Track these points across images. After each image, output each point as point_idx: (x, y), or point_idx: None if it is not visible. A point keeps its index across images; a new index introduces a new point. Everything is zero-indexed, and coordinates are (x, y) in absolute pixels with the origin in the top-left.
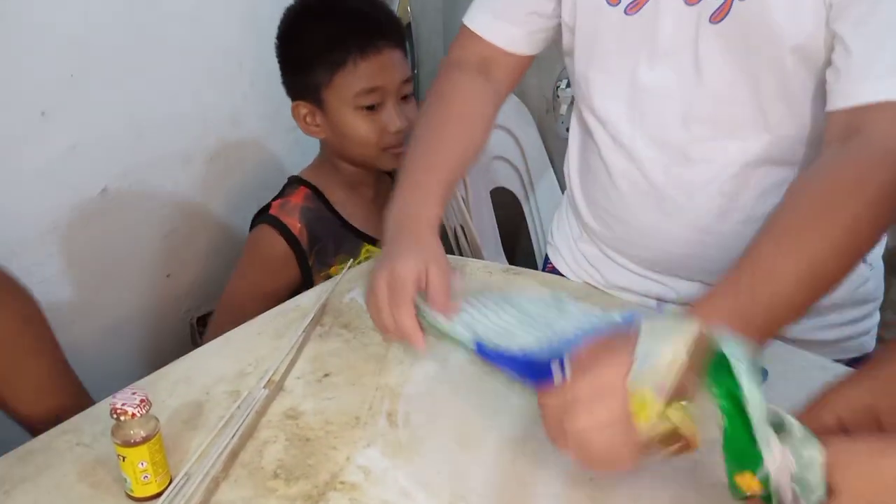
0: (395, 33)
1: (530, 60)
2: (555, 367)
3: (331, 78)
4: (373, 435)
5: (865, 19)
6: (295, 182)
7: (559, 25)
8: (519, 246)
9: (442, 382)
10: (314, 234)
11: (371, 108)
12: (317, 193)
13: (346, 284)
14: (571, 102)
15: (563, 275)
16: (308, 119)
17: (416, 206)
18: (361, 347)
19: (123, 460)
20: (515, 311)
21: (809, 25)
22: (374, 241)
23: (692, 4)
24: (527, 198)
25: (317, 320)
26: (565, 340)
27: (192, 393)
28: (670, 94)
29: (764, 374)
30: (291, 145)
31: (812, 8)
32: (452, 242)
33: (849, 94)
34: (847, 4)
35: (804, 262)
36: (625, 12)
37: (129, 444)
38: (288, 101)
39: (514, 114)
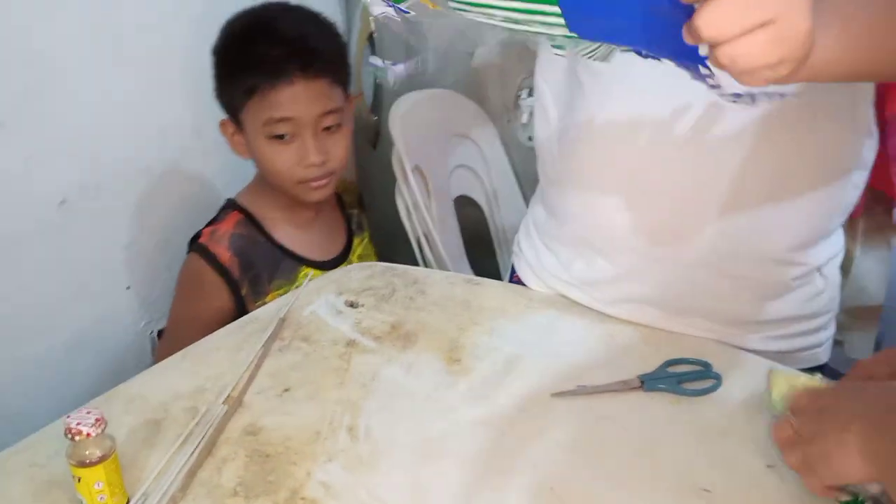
0: (326, 63)
1: None
2: None
3: (244, 103)
4: (333, 450)
5: None
6: (229, 206)
7: None
8: (483, 254)
9: (403, 396)
10: (246, 262)
11: (281, 137)
12: (249, 219)
13: (305, 297)
14: (531, 112)
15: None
16: (235, 138)
17: None
18: (322, 361)
19: (79, 481)
20: None
21: None
22: (313, 265)
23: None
24: (490, 207)
25: (276, 334)
26: None
27: (148, 410)
28: None
29: (718, 379)
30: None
31: None
32: (416, 252)
33: None
34: None
35: None
36: None
37: (84, 464)
38: None
39: (475, 123)
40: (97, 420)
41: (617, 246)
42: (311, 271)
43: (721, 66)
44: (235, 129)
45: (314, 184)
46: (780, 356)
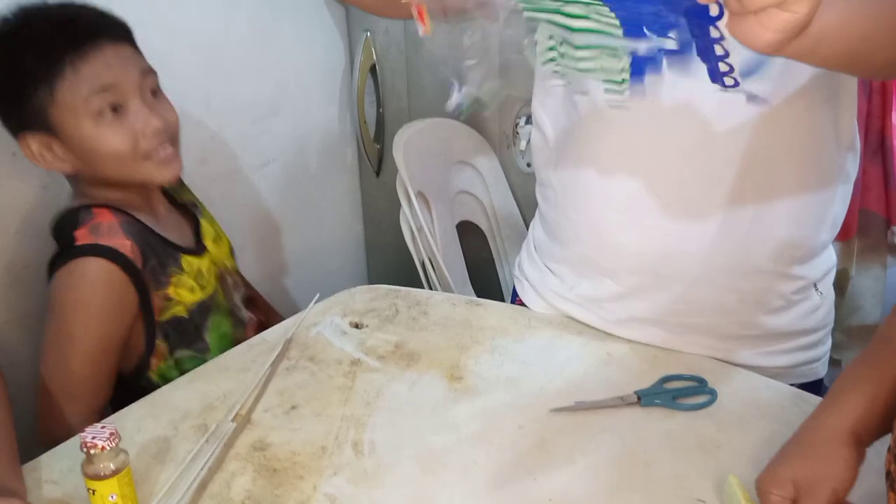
0: (115, 29)
1: None
2: None
3: (52, 93)
4: (339, 464)
5: None
6: (83, 209)
7: None
8: (486, 278)
9: (406, 412)
10: (145, 250)
11: (114, 111)
12: (117, 210)
13: (311, 319)
14: (529, 139)
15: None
16: (45, 153)
17: None
18: (327, 380)
19: (93, 493)
20: None
21: None
22: (187, 252)
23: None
24: (492, 231)
25: (283, 354)
26: None
27: (158, 428)
28: None
29: (713, 394)
30: (259, 182)
31: None
32: (421, 276)
33: None
34: None
35: None
36: None
37: (98, 477)
38: (256, 137)
39: (476, 150)
40: (111, 434)
41: (622, 265)
42: (191, 258)
43: (733, 10)
44: (44, 140)
45: (162, 154)
46: (781, 371)
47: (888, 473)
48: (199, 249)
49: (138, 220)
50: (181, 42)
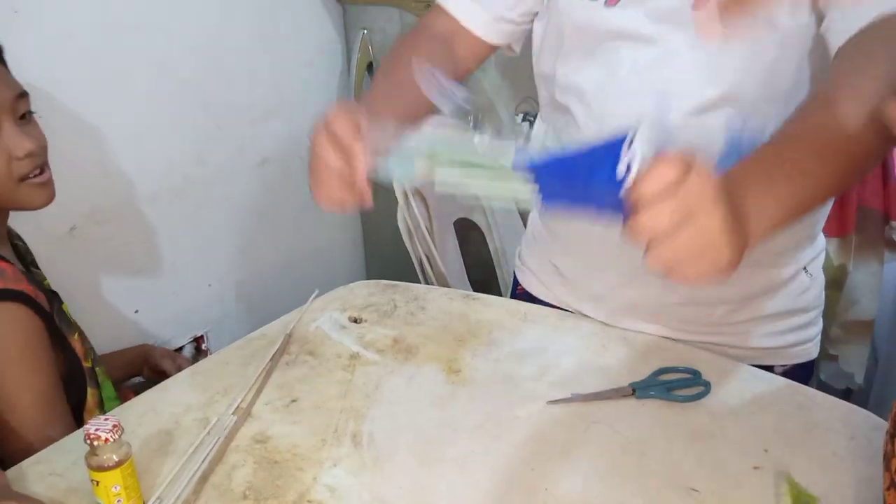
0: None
1: (491, 50)
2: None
3: None
4: (338, 455)
5: None
6: None
7: (527, 29)
8: (483, 274)
9: (404, 405)
10: (47, 294)
11: None
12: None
13: (311, 314)
14: (528, 137)
15: (533, 295)
16: None
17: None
18: (327, 373)
19: (97, 485)
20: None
21: (806, 18)
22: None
23: None
24: (490, 228)
25: (283, 349)
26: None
27: (161, 422)
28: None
29: (707, 386)
30: (257, 181)
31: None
32: (418, 272)
33: (845, 30)
34: None
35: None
36: (604, 4)
37: (102, 468)
38: (254, 137)
39: None
40: (114, 426)
41: (617, 255)
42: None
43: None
44: None
45: (37, 178)
46: (777, 352)
47: (885, 455)
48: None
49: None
50: (179, 44)
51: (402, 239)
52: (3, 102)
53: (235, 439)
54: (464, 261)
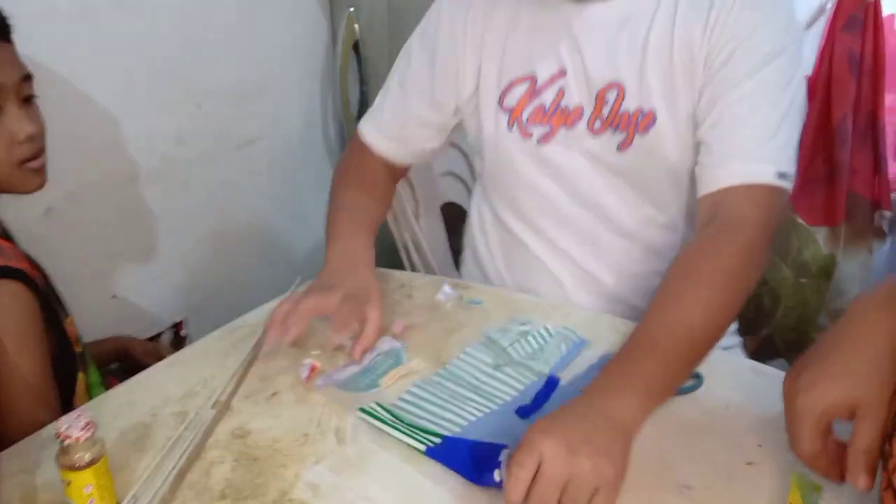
0: (6, 27)
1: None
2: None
3: None
4: (321, 452)
5: (717, 123)
6: None
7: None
8: None
9: (391, 398)
10: (41, 274)
11: None
12: None
13: None
14: None
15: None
16: None
17: (356, 253)
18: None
19: (69, 485)
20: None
21: (690, 152)
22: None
23: (598, 135)
24: None
25: (264, 339)
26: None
27: (138, 415)
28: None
29: (699, 378)
30: (239, 163)
31: (692, 141)
32: (404, 257)
33: (710, 182)
34: (705, 116)
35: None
36: (537, 142)
37: (74, 468)
38: (236, 117)
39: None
40: (87, 424)
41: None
42: None
43: None
44: None
45: (34, 163)
46: None
47: (883, 454)
48: None
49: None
50: (159, 21)
51: (387, 224)
52: (9, 84)
53: (214, 434)
54: (451, 247)
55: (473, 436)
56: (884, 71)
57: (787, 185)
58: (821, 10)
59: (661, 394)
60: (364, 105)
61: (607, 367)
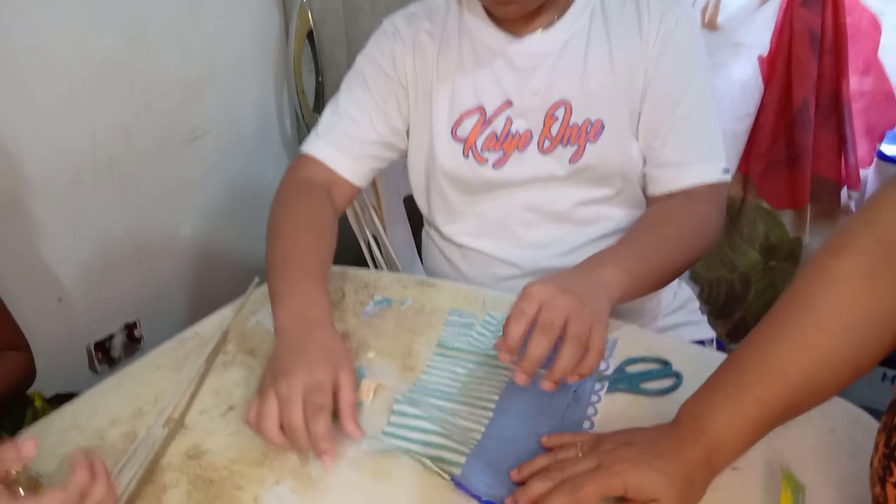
0: None
1: (358, 190)
2: None
3: None
4: (281, 471)
5: (666, 137)
6: None
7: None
8: None
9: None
10: None
11: None
12: None
13: (249, 307)
14: None
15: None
16: None
17: (311, 310)
18: None
19: None
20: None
21: (636, 157)
22: None
23: (548, 153)
24: None
25: (219, 348)
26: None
27: (84, 439)
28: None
29: (679, 377)
30: (190, 158)
31: (637, 142)
32: (366, 254)
33: (662, 184)
34: (651, 128)
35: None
36: (493, 167)
37: None
38: (186, 110)
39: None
40: (20, 456)
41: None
42: None
43: None
44: None
45: None
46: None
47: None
48: None
49: None
50: (100, 15)
51: (347, 219)
52: None
53: (167, 455)
54: (415, 243)
55: (484, 457)
56: (846, 47)
57: (729, 177)
58: None
59: (636, 276)
60: (320, 96)
61: (596, 253)
